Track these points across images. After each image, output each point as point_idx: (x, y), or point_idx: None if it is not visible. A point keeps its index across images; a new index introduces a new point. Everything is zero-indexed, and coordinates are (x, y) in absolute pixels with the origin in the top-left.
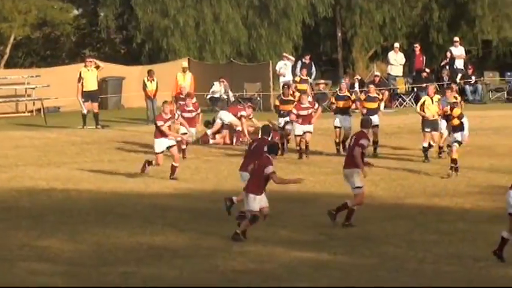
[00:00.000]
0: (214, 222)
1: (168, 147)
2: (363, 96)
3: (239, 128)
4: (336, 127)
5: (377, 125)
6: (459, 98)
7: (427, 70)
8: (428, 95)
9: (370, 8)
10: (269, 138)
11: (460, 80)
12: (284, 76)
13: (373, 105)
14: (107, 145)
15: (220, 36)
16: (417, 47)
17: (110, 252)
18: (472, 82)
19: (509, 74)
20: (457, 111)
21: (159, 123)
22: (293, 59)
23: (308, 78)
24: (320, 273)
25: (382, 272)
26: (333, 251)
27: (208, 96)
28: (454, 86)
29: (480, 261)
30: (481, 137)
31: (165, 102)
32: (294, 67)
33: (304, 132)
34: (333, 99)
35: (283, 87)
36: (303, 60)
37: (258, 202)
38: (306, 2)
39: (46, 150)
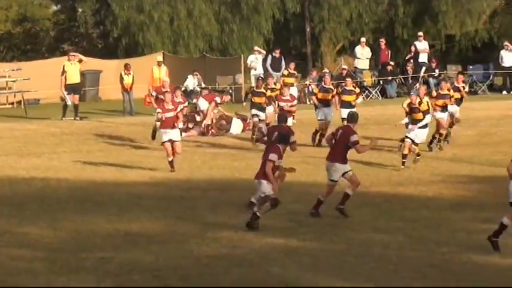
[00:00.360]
0: (188, 209)
1: (172, 141)
2: (339, 90)
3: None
4: (319, 120)
5: None
6: (451, 93)
7: (392, 63)
8: (419, 96)
9: (337, 3)
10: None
11: (424, 73)
12: (255, 69)
13: (350, 98)
14: (85, 136)
15: (193, 31)
16: (383, 42)
17: (88, 239)
18: (436, 75)
19: (471, 67)
20: (424, 107)
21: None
22: (264, 52)
23: (295, 72)
24: (290, 258)
25: (349, 257)
26: (302, 237)
27: (182, 89)
28: (446, 81)
29: (443, 246)
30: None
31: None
32: (264, 61)
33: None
34: (316, 90)
35: (256, 79)
36: (273, 54)
37: (269, 188)
38: None
39: (26, 141)
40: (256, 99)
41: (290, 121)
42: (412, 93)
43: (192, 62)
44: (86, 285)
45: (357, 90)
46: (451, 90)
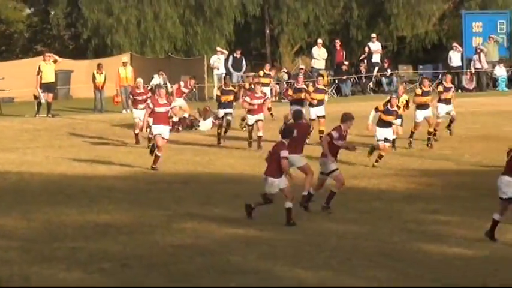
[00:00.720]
0: (154, 201)
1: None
2: (311, 88)
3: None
4: (313, 115)
5: (323, 116)
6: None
7: (347, 63)
8: (398, 98)
9: (296, 7)
10: (303, 121)
11: (377, 72)
12: (218, 69)
13: (321, 96)
14: (57, 132)
15: (159, 33)
16: (338, 43)
17: (60, 229)
18: (388, 74)
19: (421, 67)
20: (401, 110)
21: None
22: (226, 53)
23: (271, 73)
24: (249, 247)
25: (306, 246)
26: (261, 228)
27: (149, 88)
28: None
29: (394, 236)
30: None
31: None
32: (226, 61)
33: (257, 121)
34: (290, 92)
35: (224, 77)
36: (235, 54)
37: (276, 185)
38: (237, 2)
39: (1, 137)
40: (225, 98)
41: (262, 115)
42: (393, 96)
43: (158, 62)
44: (58, 273)
45: (326, 89)
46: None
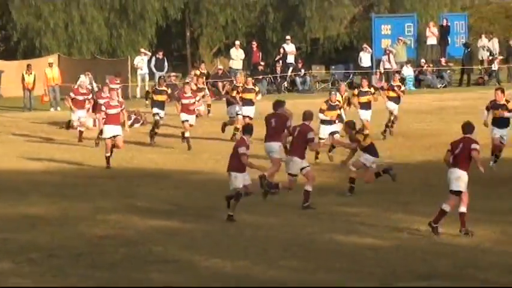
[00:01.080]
0: (80, 195)
1: (114, 136)
2: (241, 89)
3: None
4: (237, 114)
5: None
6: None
7: (263, 64)
8: (339, 92)
9: (214, 10)
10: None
11: (292, 72)
12: (141, 69)
13: (251, 95)
14: None
15: (86, 35)
16: (255, 44)
17: None
18: (302, 74)
19: (333, 67)
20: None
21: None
22: (149, 54)
23: (205, 72)
24: (171, 238)
25: (224, 237)
26: (182, 219)
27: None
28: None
29: (308, 227)
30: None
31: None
32: (149, 61)
33: (183, 121)
34: (234, 93)
35: (159, 78)
36: (157, 55)
37: (241, 180)
38: (159, 6)
39: None
40: (158, 98)
41: (193, 119)
42: (332, 92)
43: (84, 63)
44: None
45: (257, 88)
46: (372, 88)
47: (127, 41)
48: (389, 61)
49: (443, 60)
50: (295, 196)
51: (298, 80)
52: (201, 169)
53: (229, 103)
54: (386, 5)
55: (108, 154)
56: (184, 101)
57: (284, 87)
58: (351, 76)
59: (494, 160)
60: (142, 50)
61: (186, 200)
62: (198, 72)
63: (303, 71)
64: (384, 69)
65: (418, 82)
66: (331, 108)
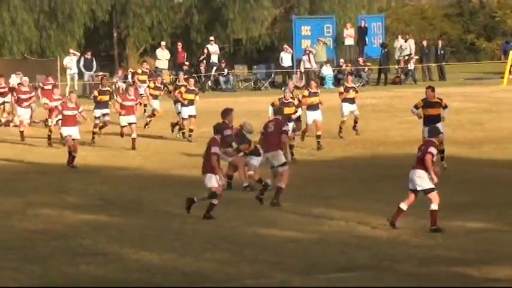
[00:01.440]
0: (12, 190)
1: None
2: (183, 89)
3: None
4: (178, 113)
5: (194, 115)
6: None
7: (188, 64)
8: (288, 89)
9: (141, 12)
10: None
11: (215, 72)
12: (71, 69)
13: (192, 96)
14: None
15: (16, 36)
16: (180, 45)
17: None
18: (225, 74)
19: (255, 67)
20: (295, 101)
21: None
22: (78, 54)
23: (147, 71)
24: (99, 232)
25: (151, 230)
26: (110, 213)
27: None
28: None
29: (231, 221)
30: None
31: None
32: (78, 61)
33: (130, 124)
34: (181, 95)
35: (101, 78)
36: (86, 56)
37: (215, 180)
38: (87, 8)
39: None
40: (102, 98)
41: (134, 118)
42: (286, 90)
43: (15, 63)
44: None
45: (197, 90)
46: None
47: (56, 41)
48: (309, 61)
49: (361, 60)
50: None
51: (221, 79)
52: (128, 165)
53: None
54: (306, 6)
55: (69, 150)
56: (127, 103)
57: (208, 86)
58: (272, 75)
59: (441, 157)
60: (71, 50)
61: (114, 194)
62: (139, 71)
63: (226, 70)
64: (305, 68)
65: (337, 81)
66: (285, 105)
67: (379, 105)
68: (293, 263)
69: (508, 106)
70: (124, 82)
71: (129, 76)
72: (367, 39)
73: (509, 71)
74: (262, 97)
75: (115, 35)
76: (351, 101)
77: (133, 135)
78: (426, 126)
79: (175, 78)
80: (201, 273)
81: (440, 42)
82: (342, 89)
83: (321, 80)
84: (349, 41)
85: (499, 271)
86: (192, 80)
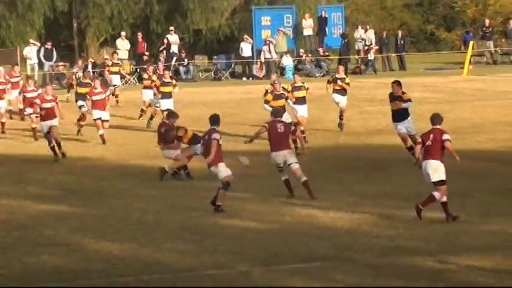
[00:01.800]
0: None
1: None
2: (158, 82)
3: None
4: (156, 106)
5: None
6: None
7: (148, 54)
8: (271, 84)
9: (100, 2)
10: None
11: (175, 62)
12: (31, 59)
13: (169, 89)
14: None
15: None
16: (140, 35)
17: None
18: (185, 64)
19: (215, 57)
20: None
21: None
22: (38, 44)
23: (119, 62)
24: (61, 222)
25: (112, 220)
26: (71, 204)
27: None
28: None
29: (193, 211)
30: (193, 109)
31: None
32: (38, 52)
33: (102, 120)
34: (157, 88)
35: (84, 71)
36: (46, 46)
37: (224, 167)
38: None
39: None
40: (82, 90)
41: (106, 114)
42: (276, 82)
43: None
44: None
45: (174, 81)
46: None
47: (16, 31)
48: (269, 51)
49: (321, 50)
50: (179, 182)
51: (181, 69)
52: (89, 155)
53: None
54: None
55: (52, 144)
56: (95, 97)
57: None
58: (233, 66)
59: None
60: (31, 40)
61: (75, 185)
62: (110, 63)
63: (186, 60)
64: (265, 59)
65: (298, 71)
66: (277, 97)
67: None
68: (254, 254)
69: (468, 96)
70: (83, 72)
71: (89, 66)
72: (327, 29)
73: (469, 62)
74: (223, 87)
75: (75, 25)
76: (341, 92)
77: (101, 132)
78: (396, 122)
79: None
80: (162, 264)
81: (400, 33)
82: (330, 78)
83: (281, 70)
84: (308, 31)
85: (460, 261)
86: (167, 72)
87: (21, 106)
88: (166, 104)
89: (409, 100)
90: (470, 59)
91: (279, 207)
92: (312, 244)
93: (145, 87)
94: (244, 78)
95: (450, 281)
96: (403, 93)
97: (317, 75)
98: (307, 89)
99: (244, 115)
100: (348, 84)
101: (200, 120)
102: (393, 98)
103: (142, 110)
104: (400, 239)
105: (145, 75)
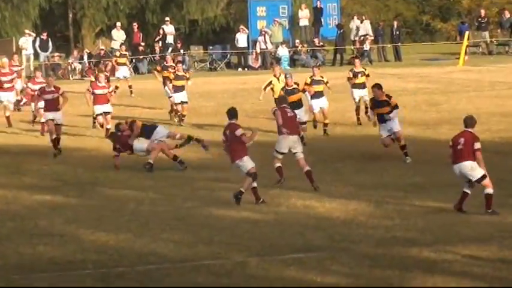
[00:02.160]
0: None
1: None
2: (172, 76)
3: None
4: (169, 97)
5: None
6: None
7: (143, 44)
8: (274, 75)
9: None
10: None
11: (171, 52)
12: (26, 50)
13: (183, 82)
14: None
15: None
16: (135, 26)
17: None
18: (181, 54)
19: (211, 47)
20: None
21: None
22: (33, 35)
23: (127, 53)
24: (56, 212)
25: (107, 211)
26: (66, 194)
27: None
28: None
29: (187, 202)
30: (189, 100)
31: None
32: (34, 42)
33: (105, 113)
34: (170, 81)
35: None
36: (41, 36)
37: (249, 160)
38: None
39: None
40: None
41: (109, 107)
42: (287, 76)
43: None
44: None
45: (187, 74)
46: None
47: (11, 22)
48: (265, 42)
49: (316, 40)
50: (175, 172)
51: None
52: (84, 146)
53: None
54: None
55: (54, 136)
56: (98, 91)
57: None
58: (228, 56)
59: (404, 153)
60: (26, 31)
61: (70, 175)
62: (118, 54)
63: (182, 51)
64: (260, 49)
65: (293, 62)
66: (289, 93)
67: (336, 85)
68: (250, 244)
69: (463, 87)
70: (80, 63)
71: (85, 57)
72: (322, 20)
73: (465, 52)
74: (218, 78)
75: (70, 15)
76: (361, 85)
77: (108, 126)
78: (380, 124)
79: (131, 59)
80: (158, 254)
81: (395, 23)
82: (350, 74)
83: (277, 61)
84: (304, 22)
85: (456, 251)
86: (180, 66)
87: (18, 97)
88: (180, 97)
89: (396, 106)
90: (465, 50)
91: (275, 198)
92: (308, 234)
93: (165, 80)
94: (239, 69)
95: (446, 271)
96: (388, 96)
97: (312, 65)
98: (327, 82)
99: (240, 105)
100: (368, 75)
101: (195, 111)
102: (376, 104)
103: (174, 111)
104: (396, 230)
105: (158, 68)
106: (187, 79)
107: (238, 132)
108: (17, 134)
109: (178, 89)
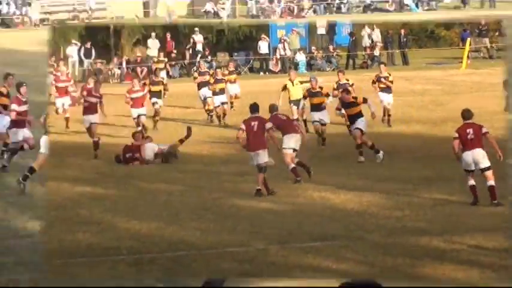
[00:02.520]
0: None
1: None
2: (212, 80)
3: None
4: (217, 102)
5: (226, 102)
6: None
7: (175, 52)
8: (290, 79)
9: None
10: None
11: (200, 58)
12: (72, 57)
13: (222, 86)
14: None
15: None
16: (168, 35)
17: None
18: (209, 60)
19: (236, 54)
20: (324, 91)
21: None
22: (79, 44)
23: (164, 59)
24: (95, 202)
25: (141, 202)
26: (105, 186)
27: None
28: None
29: (214, 193)
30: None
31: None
32: (79, 50)
33: (139, 116)
34: (211, 86)
35: (155, 70)
36: (86, 45)
37: (263, 155)
38: None
39: None
40: (155, 88)
41: (143, 110)
42: (312, 79)
43: None
44: None
45: (228, 77)
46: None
47: (60, 33)
48: (284, 48)
49: (331, 47)
50: (203, 166)
51: (205, 65)
52: (120, 143)
53: (200, 87)
54: None
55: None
56: (134, 95)
57: (193, 71)
58: (251, 61)
59: (376, 150)
60: (73, 41)
61: (108, 169)
62: (155, 60)
63: (209, 57)
64: (280, 55)
65: (310, 66)
66: (313, 95)
67: None
68: (270, 233)
69: (466, 88)
70: (119, 68)
71: (124, 63)
72: (336, 29)
73: (467, 57)
74: (242, 81)
75: (111, 27)
76: (387, 90)
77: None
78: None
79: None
80: (186, 242)
81: (402, 31)
82: (374, 78)
83: (295, 66)
84: (321, 31)
85: (463, 241)
86: (219, 70)
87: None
88: (221, 98)
89: (365, 101)
90: (468, 54)
91: (293, 190)
92: (324, 224)
93: (200, 85)
94: (261, 73)
95: (455, 260)
96: (355, 98)
97: (327, 69)
98: (352, 84)
99: (261, 105)
100: (391, 81)
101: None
102: (345, 105)
103: (209, 111)
104: (407, 220)
105: (196, 75)
106: (226, 82)
107: (268, 125)
108: (62, 133)
109: (219, 91)
